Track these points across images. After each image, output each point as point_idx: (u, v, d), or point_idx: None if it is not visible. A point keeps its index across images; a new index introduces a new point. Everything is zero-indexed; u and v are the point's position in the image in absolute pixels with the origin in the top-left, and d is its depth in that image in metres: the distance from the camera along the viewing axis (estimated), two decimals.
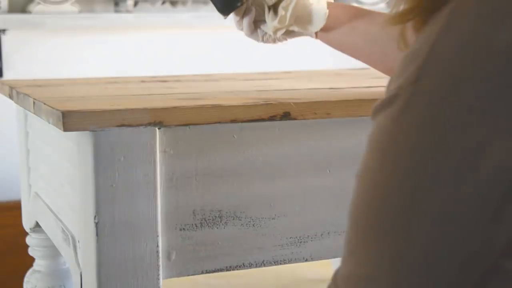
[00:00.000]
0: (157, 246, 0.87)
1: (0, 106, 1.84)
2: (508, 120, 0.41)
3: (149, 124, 0.85)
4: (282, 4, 0.98)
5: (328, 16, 0.99)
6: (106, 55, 2.45)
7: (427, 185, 0.42)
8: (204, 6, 2.48)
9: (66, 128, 0.81)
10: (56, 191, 1.07)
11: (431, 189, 0.42)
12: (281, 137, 0.93)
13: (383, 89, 0.48)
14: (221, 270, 0.92)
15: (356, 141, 0.97)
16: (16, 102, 1.11)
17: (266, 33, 1.04)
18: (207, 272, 0.92)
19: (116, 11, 2.45)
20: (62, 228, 1.01)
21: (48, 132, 1.08)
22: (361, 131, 0.97)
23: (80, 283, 0.92)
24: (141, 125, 0.84)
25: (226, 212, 0.92)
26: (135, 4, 2.43)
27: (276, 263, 0.95)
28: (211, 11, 2.50)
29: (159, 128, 0.87)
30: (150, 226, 0.87)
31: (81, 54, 2.43)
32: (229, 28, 2.69)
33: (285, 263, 0.96)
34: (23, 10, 2.36)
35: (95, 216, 0.85)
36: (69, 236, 0.97)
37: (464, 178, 0.42)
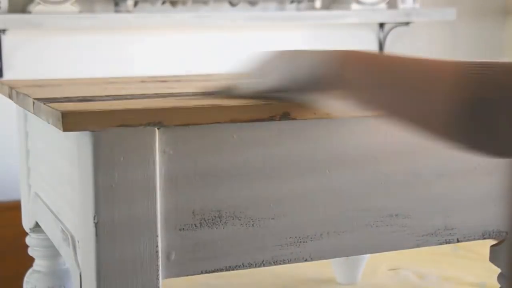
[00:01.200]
0: (157, 246, 0.87)
1: (0, 106, 1.84)
2: None
3: (149, 124, 0.85)
4: None
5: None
6: (106, 55, 2.45)
7: None
8: (204, 6, 2.48)
9: (65, 128, 0.81)
10: (56, 191, 1.07)
11: None
12: (281, 137, 0.93)
13: None
14: (220, 270, 0.92)
15: (356, 141, 0.97)
16: (16, 102, 1.11)
17: None
18: (206, 272, 0.92)
19: (116, 11, 2.45)
20: (62, 228, 1.01)
21: (48, 132, 1.08)
22: (361, 131, 0.97)
23: (80, 283, 0.92)
24: (141, 125, 0.84)
25: (226, 212, 0.92)
26: (135, 4, 2.43)
27: (276, 263, 0.95)
28: (211, 11, 2.51)
29: (158, 128, 0.87)
30: (150, 226, 0.87)
31: (81, 54, 2.43)
32: (229, 28, 2.68)
33: (285, 263, 0.96)
34: (23, 10, 2.36)
35: (94, 216, 0.85)
36: (69, 236, 0.97)
37: None
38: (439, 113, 0.77)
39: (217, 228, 0.91)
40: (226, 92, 0.96)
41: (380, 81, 0.82)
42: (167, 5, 2.47)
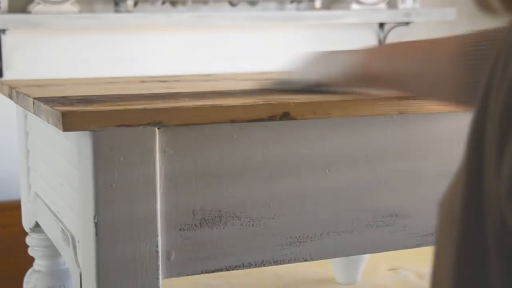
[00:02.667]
0: (157, 246, 0.87)
1: (0, 106, 1.84)
2: None
3: (149, 124, 0.85)
4: None
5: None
6: (106, 55, 2.45)
7: None
8: (204, 6, 2.48)
9: (65, 128, 0.82)
10: (56, 191, 1.07)
11: None
12: (280, 137, 0.93)
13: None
14: (220, 270, 0.92)
15: (356, 141, 0.97)
16: (16, 102, 1.11)
17: None
18: (206, 272, 0.92)
19: (116, 11, 2.45)
20: (62, 228, 1.01)
21: (48, 132, 1.08)
22: (361, 131, 0.97)
23: (80, 283, 0.93)
24: (141, 125, 0.84)
25: (226, 212, 0.92)
26: (135, 4, 2.43)
27: (276, 263, 0.95)
28: (211, 11, 2.51)
29: (158, 128, 0.87)
30: (150, 226, 0.87)
31: (81, 54, 2.43)
32: (229, 28, 2.68)
33: (284, 263, 0.96)
34: (23, 10, 2.36)
35: (94, 216, 0.85)
36: (69, 236, 0.97)
37: None
38: (447, 80, 0.89)
39: (217, 228, 0.91)
40: (280, 85, 1.06)
41: (399, 68, 0.96)
42: (167, 5, 2.47)
